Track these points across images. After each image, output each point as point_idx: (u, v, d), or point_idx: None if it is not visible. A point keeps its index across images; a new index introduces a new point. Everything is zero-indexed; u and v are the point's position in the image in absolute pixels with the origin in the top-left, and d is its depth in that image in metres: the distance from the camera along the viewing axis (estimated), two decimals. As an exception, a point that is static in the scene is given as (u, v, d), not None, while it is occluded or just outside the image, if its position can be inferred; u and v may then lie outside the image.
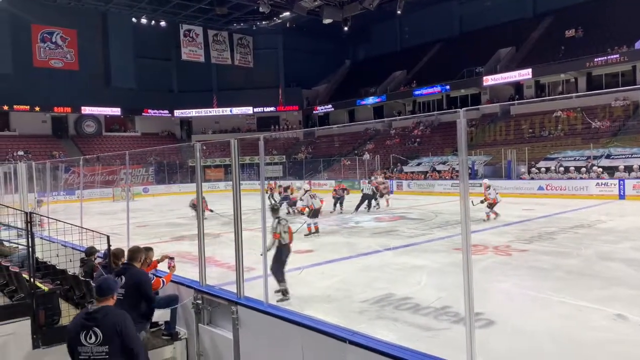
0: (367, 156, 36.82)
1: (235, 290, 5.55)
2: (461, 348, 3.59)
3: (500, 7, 39.49)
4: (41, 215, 8.45)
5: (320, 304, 7.13)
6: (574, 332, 5.81)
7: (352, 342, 4.16)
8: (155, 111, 47.32)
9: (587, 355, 5.28)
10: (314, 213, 14.10)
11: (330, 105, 47.26)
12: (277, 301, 6.97)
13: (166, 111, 47.90)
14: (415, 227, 14.91)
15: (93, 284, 6.03)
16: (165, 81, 48.42)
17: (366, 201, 19.39)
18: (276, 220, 7.76)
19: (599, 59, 29.54)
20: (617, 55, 28.86)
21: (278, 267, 7.51)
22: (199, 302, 5.93)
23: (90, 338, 3.76)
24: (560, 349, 5.41)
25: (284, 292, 7.42)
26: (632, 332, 5.76)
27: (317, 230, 13.74)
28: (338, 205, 19.27)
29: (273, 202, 18.49)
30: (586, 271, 8.72)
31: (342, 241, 12.86)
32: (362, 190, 20.10)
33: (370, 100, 43.32)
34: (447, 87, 37.71)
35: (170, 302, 6.09)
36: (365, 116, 44.34)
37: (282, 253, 7.59)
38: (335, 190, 20.07)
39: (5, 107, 39.70)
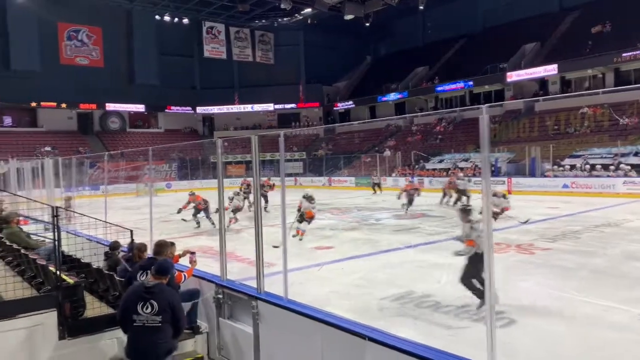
0: (387, 153, 36.62)
1: (255, 285, 5.60)
2: (482, 347, 3.56)
3: (525, 1, 38.69)
4: (67, 210, 8.65)
5: (340, 301, 7.13)
6: (597, 333, 5.69)
7: (371, 339, 4.16)
8: (178, 108, 47.86)
9: (611, 356, 5.17)
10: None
11: (351, 102, 47.09)
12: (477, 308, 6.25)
13: (189, 108, 48.38)
14: (437, 224, 14.78)
15: (117, 278, 6.17)
16: (187, 78, 48.96)
17: (461, 197, 18.68)
18: (468, 225, 6.53)
19: (627, 53, 28.77)
20: (647, 50, 28.10)
21: (471, 276, 6.35)
22: (220, 296, 5.99)
23: (147, 309, 4.40)
24: (583, 349, 5.31)
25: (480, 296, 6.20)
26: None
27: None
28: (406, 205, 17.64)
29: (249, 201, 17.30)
30: (612, 271, 8.52)
31: (363, 238, 12.84)
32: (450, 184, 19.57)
33: (392, 96, 42.95)
34: (470, 83, 37.13)
35: (192, 296, 6.18)
36: (387, 112, 44.03)
37: (478, 262, 5.97)
38: (406, 190, 18.15)
39: (33, 104, 40.68)
